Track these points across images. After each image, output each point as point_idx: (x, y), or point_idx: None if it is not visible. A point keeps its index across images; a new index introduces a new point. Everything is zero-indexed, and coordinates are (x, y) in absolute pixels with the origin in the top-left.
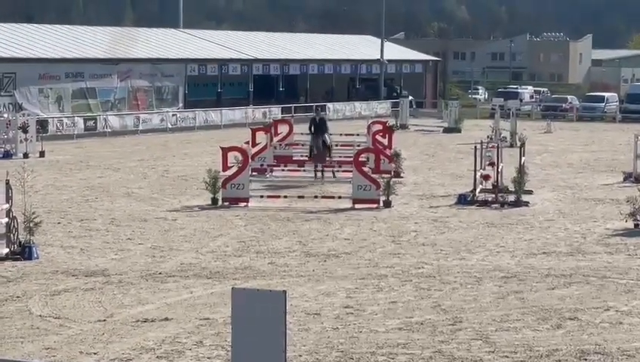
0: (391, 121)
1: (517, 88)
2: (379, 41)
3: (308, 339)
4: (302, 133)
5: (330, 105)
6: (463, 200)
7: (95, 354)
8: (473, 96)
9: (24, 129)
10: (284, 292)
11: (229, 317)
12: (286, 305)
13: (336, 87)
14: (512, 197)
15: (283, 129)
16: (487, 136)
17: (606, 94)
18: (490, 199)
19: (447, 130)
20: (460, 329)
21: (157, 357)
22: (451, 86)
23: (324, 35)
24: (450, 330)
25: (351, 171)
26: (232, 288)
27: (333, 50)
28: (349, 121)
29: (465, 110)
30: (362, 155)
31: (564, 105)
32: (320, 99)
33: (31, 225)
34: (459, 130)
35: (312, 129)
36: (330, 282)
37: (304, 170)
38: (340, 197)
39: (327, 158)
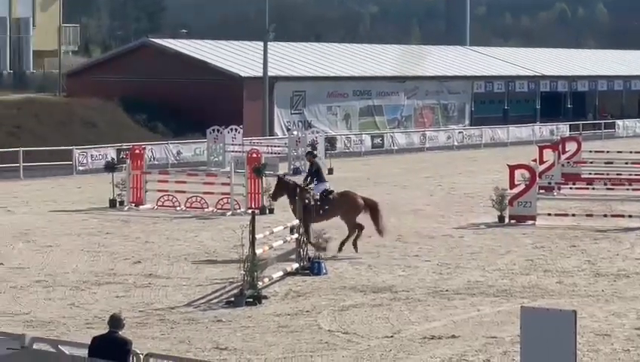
0: None
1: None
2: None
3: (598, 361)
4: (590, 151)
5: (619, 122)
6: None
7: None
8: None
9: (313, 146)
10: (574, 312)
11: (517, 336)
12: (576, 325)
13: (625, 104)
14: None
15: (571, 147)
16: None
17: None
18: None
19: None
20: None
21: None
22: None
23: (614, 50)
24: None
25: None
26: (521, 307)
27: (624, 66)
28: None
29: None
30: None
31: None
32: (609, 117)
33: (320, 240)
34: None
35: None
36: (620, 303)
37: (593, 188)
38: (630, 216)
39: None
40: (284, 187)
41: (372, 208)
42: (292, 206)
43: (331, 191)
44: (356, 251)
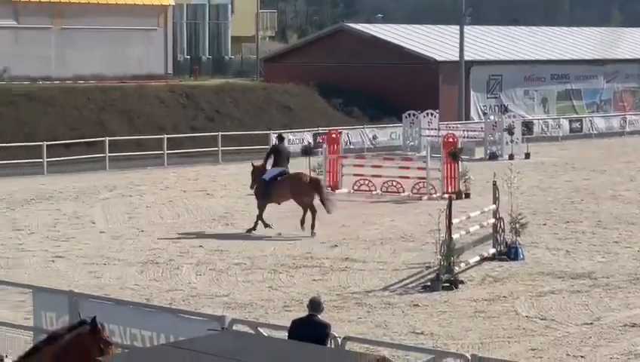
0: None
1: None
2: None
3: None
4: None
5: None
6: None
7: (582, 357)
8: None
9: (510, 131)
10: None
11: None
12: None
13: None
14: None
15: None
16: None
17: None
18: None
19: None
20: None
21: None
22: None
23: None
24: None
25: None
26: None
27: None
28: None
29: None
30: None
31: None
32: None
33: (517, 226)
34: None
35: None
36: None
37: None
38: None
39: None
40: (258, 174)
41: (316, 186)
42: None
43: (283, 174)
44: (302, 229)
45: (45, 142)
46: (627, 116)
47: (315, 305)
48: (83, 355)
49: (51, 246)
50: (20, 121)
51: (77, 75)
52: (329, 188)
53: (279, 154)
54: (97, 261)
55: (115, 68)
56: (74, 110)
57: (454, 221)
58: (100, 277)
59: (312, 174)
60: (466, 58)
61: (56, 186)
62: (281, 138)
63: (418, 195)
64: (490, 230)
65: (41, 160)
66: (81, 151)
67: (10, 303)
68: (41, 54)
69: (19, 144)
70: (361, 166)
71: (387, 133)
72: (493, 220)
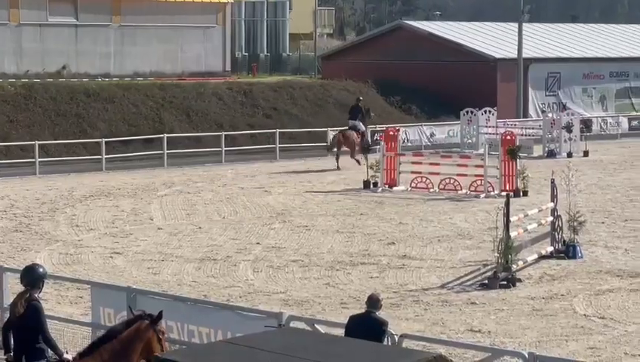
0: None
1: None
2: None
3: None
4: None
5: None
6: None
7: None
8: None
9: (568, 128)
10: None
11: None
12: None
13: None
14: None
15: None
16: None
17: None
18: None
19: None
20: None
21: None
22: None
23: None
24: None
25: None
26: None
27: None
28: None
29: None
30: None
31: None
32: None
33: (575, 224)
34: None
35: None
36: None
37: None
38: None
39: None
40: None
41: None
42: None
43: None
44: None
45: (104, 139)
46: None
47: (373, 302)
48: (143, 348)
49: (110, 242)
50: (79, 117)
51: (136, 72)
52: (386, 186)
53: (352, 113)
54: (155, 257)
55: (173, 65)
56: (132, 107)
57: (512, 219)
58: (158, 273)
59: (370, 172)
60: (525, 55)
61: (115, 183)
62: (357, 100)
63: (476, 193)
64: (548, 228)
65: (99, 156)
66: (139, 147)
67: (69, 299)
68: (101, 51)
69: (78, 141)
70: (419, 163)
71: (445, 131)
72: (551, 218)
